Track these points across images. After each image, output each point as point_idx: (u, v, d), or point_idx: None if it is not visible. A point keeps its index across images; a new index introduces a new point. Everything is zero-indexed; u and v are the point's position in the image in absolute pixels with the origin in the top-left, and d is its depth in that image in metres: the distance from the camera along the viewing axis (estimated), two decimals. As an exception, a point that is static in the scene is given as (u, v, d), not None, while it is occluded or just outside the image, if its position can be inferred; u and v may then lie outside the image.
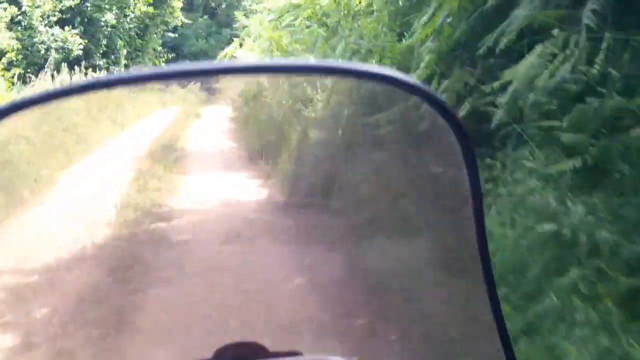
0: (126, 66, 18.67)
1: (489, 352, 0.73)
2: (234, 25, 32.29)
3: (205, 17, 31.05)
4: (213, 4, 31.25)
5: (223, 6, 31.97)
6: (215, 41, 30.16)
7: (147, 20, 19.73)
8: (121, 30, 18.14)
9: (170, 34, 24.60)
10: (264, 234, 2.52)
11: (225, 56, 14.90)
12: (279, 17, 11.85)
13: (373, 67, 0.95)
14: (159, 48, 22.82)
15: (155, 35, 21.44)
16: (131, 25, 18.51)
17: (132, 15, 18.46)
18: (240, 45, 15.09)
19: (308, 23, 10.73)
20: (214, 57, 27.21)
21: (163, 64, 23.44)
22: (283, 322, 1.60)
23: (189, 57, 30.18)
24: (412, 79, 0.77)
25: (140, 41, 20.03)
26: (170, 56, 25.51)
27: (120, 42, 18.08)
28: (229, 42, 29.51)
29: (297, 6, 10.96)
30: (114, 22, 17.19)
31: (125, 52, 18.53)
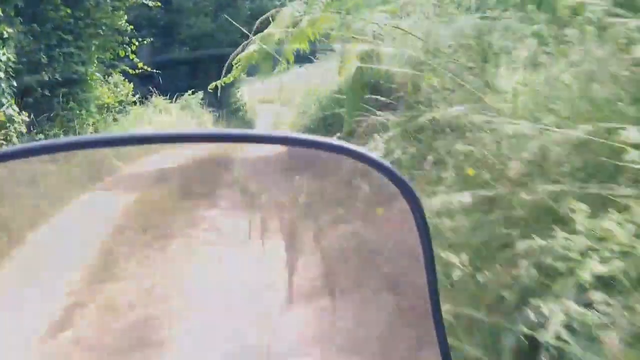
0: (26, 67, 8.34)
1: None
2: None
3: (214, -18, 20.42)
4: (226, -38, 20.45)
5: (241, -31, 21.28)
6: (226, 20, 19.50)
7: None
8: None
9: (150, 3, 14.03)
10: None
11: (253, 57, 4.61)
12: None
13: (327, 139, 0.91)
14: (127, 28, 12.32)
15: (112, 5, 10.98)
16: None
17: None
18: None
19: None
20: (225, 44, 16.59)
21: (134, 57, 13.06)
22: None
23: (188, 44, 19.74)
24: (362, 149, 0.83)
25: (78, 13, 9.69)
26: (151, 41, 15.09)
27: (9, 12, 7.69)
28: (248, 21, 18.69)
29: None
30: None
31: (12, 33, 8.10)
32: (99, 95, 11.29)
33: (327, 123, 8.44)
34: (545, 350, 1.69)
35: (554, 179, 2.17)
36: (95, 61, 10.86)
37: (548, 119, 2.36)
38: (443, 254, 1.85)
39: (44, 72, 8.83)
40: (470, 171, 2.53)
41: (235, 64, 5.61)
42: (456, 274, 1.96)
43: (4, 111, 7.42)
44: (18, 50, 8.24)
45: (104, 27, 10.91)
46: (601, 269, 1.71)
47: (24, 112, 7.95)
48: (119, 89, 13.56)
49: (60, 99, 9.02)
